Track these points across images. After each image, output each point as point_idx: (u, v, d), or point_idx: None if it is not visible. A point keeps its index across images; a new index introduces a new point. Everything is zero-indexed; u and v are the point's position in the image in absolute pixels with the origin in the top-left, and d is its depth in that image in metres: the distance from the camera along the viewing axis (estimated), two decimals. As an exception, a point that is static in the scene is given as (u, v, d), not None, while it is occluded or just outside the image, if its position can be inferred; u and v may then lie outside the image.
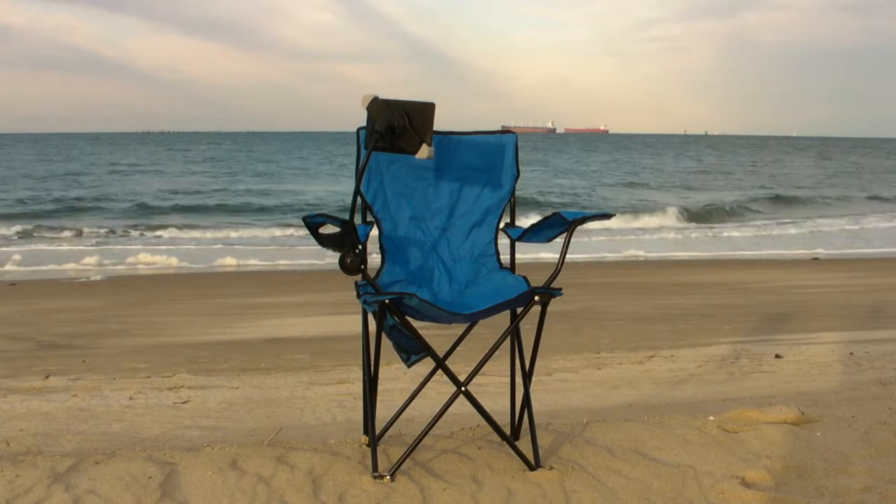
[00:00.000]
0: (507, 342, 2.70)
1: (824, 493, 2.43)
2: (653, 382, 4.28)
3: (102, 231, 16.86)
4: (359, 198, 2.49)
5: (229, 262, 12.71)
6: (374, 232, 2.83)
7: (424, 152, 2.43)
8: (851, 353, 4.95)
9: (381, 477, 2.43)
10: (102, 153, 55.01)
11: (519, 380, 2.72)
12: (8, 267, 11.76)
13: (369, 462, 2.51)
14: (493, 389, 3.95)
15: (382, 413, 3.04)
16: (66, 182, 29.46)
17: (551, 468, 2.53)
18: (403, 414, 2.90)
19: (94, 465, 2.49)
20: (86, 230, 16.81)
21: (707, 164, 47.28)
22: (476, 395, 2.54)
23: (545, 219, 2.65)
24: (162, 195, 24.55)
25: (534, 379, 2.82)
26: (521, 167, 2.89)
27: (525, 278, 2.66)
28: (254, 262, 12.53)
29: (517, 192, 2.93)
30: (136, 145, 75.17)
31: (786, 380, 4.26)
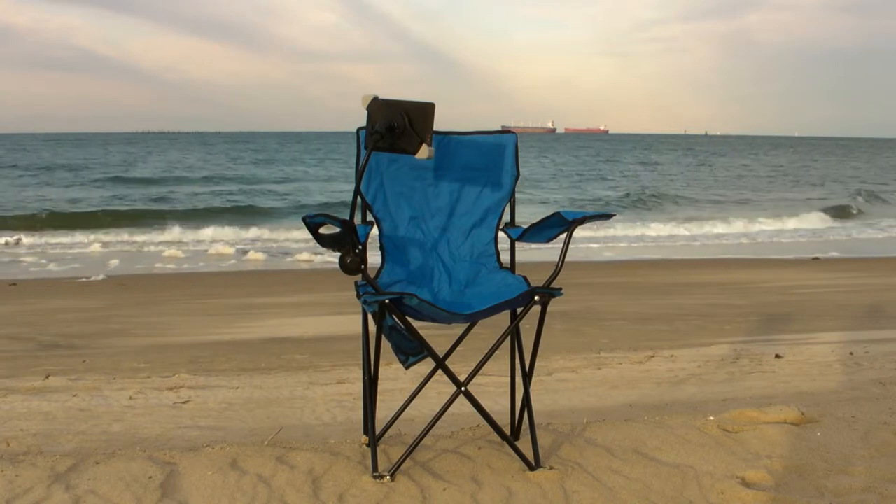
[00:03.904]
0: (507, 342, 2.70)
1: (824, 493, 2.43)
2: (653, 382, 4.28)
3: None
4: (359, 198, 2.49)
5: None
6: (375, 232, 2.83)
7: (424, 152, 2.43)
8: (851, 353, 4.95)
9: (381, 477, 2.43)
10: (187, 154, 51.52)
11: (519, 380, 2.72)
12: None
13: (369, 462, 2.51)
14: (493, 389, 3.95)
15: (382, 413, 3.04)
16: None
17: (551, 468, 2.53)
18: (403, 414, 2.90)
19: (94, 465, 2.49)
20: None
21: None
22: (476, 395, 2.54)
23: (545, 218, 2.65)
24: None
25: (534, 379, 2.82)
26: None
27: (525, 278, 2.66)
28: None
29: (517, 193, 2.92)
30: (210, 146, 68.51)
31: (786, 380, 4.26)
